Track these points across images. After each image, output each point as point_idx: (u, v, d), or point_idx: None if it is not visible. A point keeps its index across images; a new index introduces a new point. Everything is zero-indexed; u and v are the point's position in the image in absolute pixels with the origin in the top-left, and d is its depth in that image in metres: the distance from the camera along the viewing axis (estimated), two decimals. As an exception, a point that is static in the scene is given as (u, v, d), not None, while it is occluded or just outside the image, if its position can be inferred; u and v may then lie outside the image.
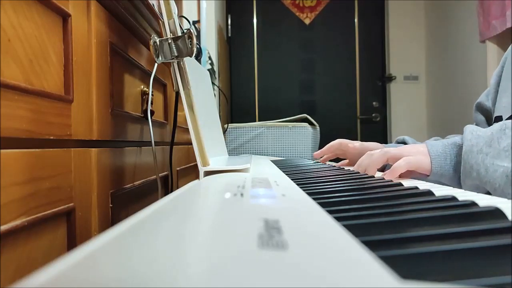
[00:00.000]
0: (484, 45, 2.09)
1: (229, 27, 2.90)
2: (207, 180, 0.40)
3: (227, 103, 2.72)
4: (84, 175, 0.42)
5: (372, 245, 0.17)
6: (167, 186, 0.74)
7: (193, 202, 0.28)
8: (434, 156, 0.57)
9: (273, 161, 0.87)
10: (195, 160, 0.45)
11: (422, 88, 2.90)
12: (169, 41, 0.47)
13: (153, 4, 0.62)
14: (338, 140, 0.85)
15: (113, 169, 0.50)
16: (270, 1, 2.92)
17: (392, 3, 2.91)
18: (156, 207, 0.23)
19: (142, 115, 0.63)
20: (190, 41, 0.46)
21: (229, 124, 1.54)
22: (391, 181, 0.43)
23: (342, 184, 0.43)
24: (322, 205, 0.27)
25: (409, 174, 0.57)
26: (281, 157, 1.46)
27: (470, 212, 0.25)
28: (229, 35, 2.90)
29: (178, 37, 0.47)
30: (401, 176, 0.55)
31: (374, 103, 2.90)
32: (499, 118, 0.63)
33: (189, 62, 0.49)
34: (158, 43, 0.48)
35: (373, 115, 2.89)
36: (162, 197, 0.47)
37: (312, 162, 0.90)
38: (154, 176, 0.66)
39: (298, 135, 1.50)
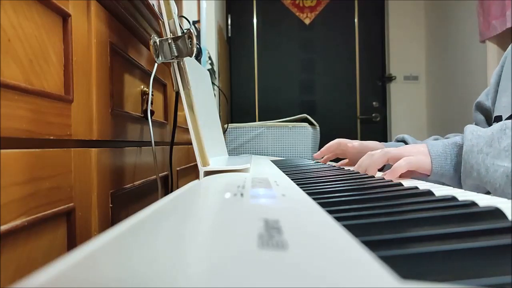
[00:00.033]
0: (484, 45, 2.09)
1: (229, 27, 2.90)
2: (207, 180, 0.40)
3: (227, 103, 2.72)
4: (84, 175, 0.42)
5: (372, 245, 0.17)
6: (167, 186, 0.74)
7: (193, 202, 0.28)
8: (434, 156, 0.57)
9: (273, 161, 0.87)
10: (195, 160, 0.45)
11: (422, 88, 2.90)
12: (169, 41, 0.47)
13: (153, 4, 0.62)
14: (337, 140, 0.85)
15: (113, 169, 0.50)
16: (270, 1, 2.92)
17: (392, 3, 2.91)
18: (156, 207, 0.23)
19: (142, 115, 0.63)
20: (190, 41, 0.46)
21: (229, 124, 1.54)
22: (391, 181, 0.43)
23: (342, 184, 0.43)
24: (322, 205, 0.27)
25: (410, 174, 0.57)
26: (281, 157, 1.46)
27: (470, 212, 0.25)
28: (229, 35, 2.90)
29: (178, 37, 0.47)
30: (401, 176, 0.55)
31: (374, 103, 2.90)
32: (498, 118, 0.63)
33: (189, 62, 0.49)
34: (158, 43, 0.48)
35: (373, 115, 2.89)
36: (162, 197, 0.47)
37: (312, 162, 0.90)
38: (154, 176, 0.66)
39: (298, 135, 1.50)
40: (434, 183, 0.51)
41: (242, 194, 0.28)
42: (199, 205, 0.28)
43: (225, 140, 1.20)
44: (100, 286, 0.11)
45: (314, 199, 0.29)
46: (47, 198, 0.35)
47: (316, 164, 0.81)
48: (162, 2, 0.48)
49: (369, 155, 0.59)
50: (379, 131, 2.90)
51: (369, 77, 2.91)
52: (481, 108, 0.73)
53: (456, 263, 0.18)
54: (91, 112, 0.44)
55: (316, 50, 2.91)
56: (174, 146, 0.65)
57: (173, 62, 0.48)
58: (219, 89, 1.91)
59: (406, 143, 0.80)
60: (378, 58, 2.93)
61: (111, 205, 0.48)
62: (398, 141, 0.83)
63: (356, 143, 0.81)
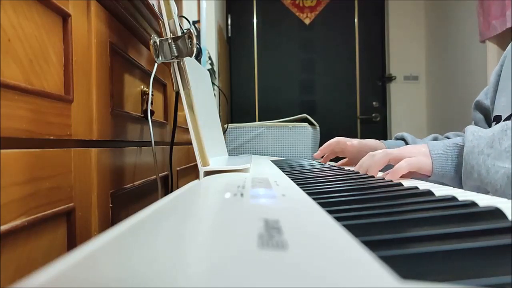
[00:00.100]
0: (484, 45, 2.09)
1: (229, 27, 2.90)
2: (207, 180, 0.40)
3: (227, 103, 2.72)
4: (84, 175, 0.42)
5: (372, 245, 0.17)
6: (167, 186, 0.74)
7: (193, 202, 0.28)
8: (435, 157, 0.57)
9: (273, 161, 0.87)
10: (195, 160, 0.45)
11: (422, 88, 2.90)
12: (169, 41, 0.47)
13: (153, 4, 0.62)
14: (336, 139, 0.85)
15: (113, 169, 0.50)
16: (270, 1, 2.92)
17: (392, 3, 2.91)
18: (156, 207, 0.23)
19: (142, 115, 0.63)
20: (190, 41, 0.46)
21: (229, 124, 1.54)
22: (391, 181, 0.43)
23: (342, 184, 0.43)
24: (322, 205, 0.27)
25: (410, 174, 0.57)
26: (281, 157, 1.46)
27: (470, 212, 0.25)
28: (229, 35, 2.90)
29: (178, 37, 0.47)
30: (402, 176, 0.55)
31: (374, 103, 2.90)
32: (498, 117, 0.63)
33: (189, 62, 0.49)
34: (158, 43, 0.48)
35: (373, 115, 2.89)
36: (162, 197, 0.47)
37: (313, 162, 0.90)
38: (154, 176, 0.66)
39: (298, 135, 1.50)
40: (435, 183, 0.51)
41: (242, 194, 0.28)
42: (199, 205, 0.28)
43: (225, 140, 1.20)
44: (100, 286, 0.11)
45: (314, 199, 0.29)
46: (47, 198, 0.35)
47: (316, 164, 0.81)
48: (162, 2, 0.48)
49: (370, 156, 0.59)
50: (379, 131, 2.90)
51: (369, 77, 2.91)
52: (480, 107, 0.73)
53: (456, 263, 0.18)
54: (91, 112, 0.44)
55: (316, 50, 2.91)
56: (174, 146, 0.65)
57: (173, 62, 0.48)
58: (219, 89, 1.91)
59: (405, 141, 0.80)
60: (378, 58, 2.93)
61: (111, 205, 0.48)
62: (397, 139, 0.83)
63: (355, 141, 0.81)
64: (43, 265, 0.13)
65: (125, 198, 0.54)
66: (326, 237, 0.18)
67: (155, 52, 0.48)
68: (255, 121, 2.19)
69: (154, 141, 0.58)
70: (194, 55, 0.47)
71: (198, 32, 1.50)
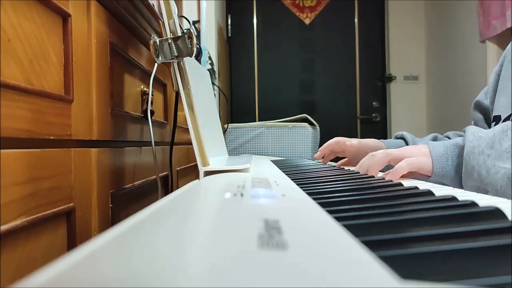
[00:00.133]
0: (484, 45, 2.09)
1: (229, 27, 2.90)
2: (207, 180, 0.40)
3: (227, 103, 2.72)
4: (84, 175, 0.42)
5: (372, 245, 0.17)
6: (167, 186, 0.74)
7: (193, 202, 0.28)
8: (435, 157, 0.57)
9: (273, 161, 0.87)
10: (195, 160, 0.45)
11: (422, 88, 2.90)
12: (169, 41, 0.47)
13: (153, 4, 0.62)
14: (335, 139, 0.85)
15: (113, 169, 0.50)
16: (270, 1, 2.92)
17: (392, 3, 2.91)
18: (156, 207, 0.23)
19: (142, 115, 0.63)
20: (190, 41, 0.46)
21: (229, 124, 1.54)
22: (391, 181, 0.43)
23: (342, 184, 0.43)
24: (322, 205, 0.27)
25: (410, 175, 0.57)
26: (281, 157, 1.46)
27: (470, 212, 0.25)
28: (229, 35, 2.90)
29: (178, 37, 0.47)
30: (402, 176, 0.55)
31: (374, 103, 2.90)
32: (497, 117, 0.63)
33: (189, 62, 0.49)
34: (158, 43, 0.48)
35: (373, 115, 2.89)
36: (162, 197, 0.47)
37: (313, 162, 0.90)
38: (154, 176, 0.66)
39: (298, 135, 1.50)
40: (435, 183, 0.51)
41: (242, 194, 0.28)
42: (199, 205, 0.28)
43: (225, 140, 1.20)
44: (100, 286, 0.11)
45: (314, 199, 0.29)
46: (47, 198, 0.35)
47: (316, 164, 0.81)
48: (162, 2, 0.48)
49: (371, 156, 0.59)
50: (379, 131, 2.90)
51: (369, 77, 2.91)
52: (479, 107, 0.73)
53: (456, 263, 0.18)
54: (91, 112, 0.44)
55: (316, 50, 2.91)
56: (174, 146, 0.65)
57: (173, 62, 0.48)
58: (219, 89, 1.91)
59: (405, 140, 0.80)
60: (378, 58, 2.93)
61: (111, 205, 0.48)
62: (397, 138, 0.83)
63: (354, 141, 0.81)
64: (43, 265, 0.13)
65: (125, 198, 0.54)
66: (326, 237, 0.18)
67: (155, 52, 0.48)
68: (255, 121, 2.19)
69: (154, 141, 0.58)
70: (194, 55, 0.47)
71: (198, 32, 1.50)
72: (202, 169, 0.44)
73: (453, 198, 0.30)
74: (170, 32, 0.48)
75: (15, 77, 0.31)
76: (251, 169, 0.52)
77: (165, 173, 0.75)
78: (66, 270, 0.12)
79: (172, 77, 0.48)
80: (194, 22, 1.44)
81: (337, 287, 0.11)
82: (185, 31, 0.48)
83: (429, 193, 0.34)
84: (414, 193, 0.35)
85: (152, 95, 0.62)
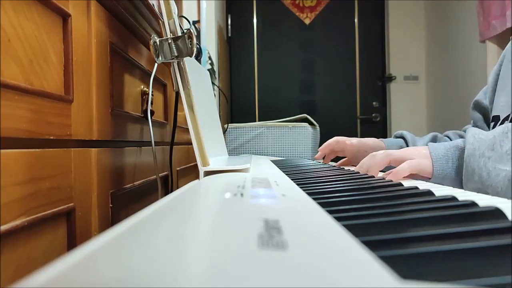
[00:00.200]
0: (484, 45, 2.09)
1: (229, 27, 2.90)
2: (207, 180, 0.40)
3: (227, 103, 2.72)
4: (84, 175, 0.42)
5: (372, 245, 0.17)
6: (167, 186, 0.74)
7: (193, 202, 0.28)
8: (435, 159, 0.57)
9: (273, 161, 0.87)
10: (195, 160, 0.45)
11: (422, 88, 2.90)
12: (169, 41, 0.47)
13: (153, 4, 0.62)
14: (335, 138, 0.85)
15: (113, 169, 0.50)
16: (270, 1, 2.92)
17: (392, 3, 2.91)
18: (156, 207, 0.23)
19: (142, 115, 0.63)
20: (190, 41, 0.46)
21: (229, 124, 1.54)
22: (391, 181, 0.43)
23: (342, 184, 0.43)
24: (322, 205, 0.27)
25: (411, 176, 0.57)
26: (281, 157, 1.46)
27: (470, 212, 0.25)
28: (229, 35, 2.90)
29: (178, 37, 0.47)
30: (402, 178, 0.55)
31: (374, 103, 2.90)
32: (496, 117, 0.63)
33: (189, 62, 0.49)
34: (158, 43, 0.48)
35: (373, 115, 2.89)
36: (162, 197, 0.47)
37: (313, 162, 0.90)
38: (154, 176, 0.66)
39: (298, 135, 1.50)
40: (435, 184, 0.51)
41: (242, 194, 0.28)
42: (199, 205, 0.28)
43: (225, 140, 1.20)
44: (100, 286, 0.11)
45: (314, 199, 0.29)
46: (47, 198, 0.35)
47: (316, 164, 0.81)
48: (162, 2, 0.48)
49: (371, 156, 0.59)
50: (379, 131, 2.91)
51: (369, 77, 2.91)
52: (479, 106, 0.73)
53: (456, 263, 0.18)
54: (91, 112, 0.44)
55: (316, 50, 2.91)
56: (174, 146, 0.65)
57: (173, 62, 0.48)
58: (219, 89, 1.91)
59: (404, 139, 0.80)
60: (378, 58, 2.93)
61: (111, 205, 0.48)
62: (396, 137, 0.83)
63: (354, 140, 0.81)
64: (43, 265, 0.13)
65: (125, 198, 0.54)
66: (326, 237, 0.18)
67: (155, 52, 0.48)
68: (255, 121, 2.19)
69: (154, 141, 0.58)
70: (194, 55, 0.47)
71: (198, 32, 1.50)
72: (202, 169, 0.44)
73: (453, 198, 0.30)
74: (170, 32, 0.48)
75: (15, 77, 0.31)
76: (251, 169, 0.52)
77: (165, 173, 0.75)
78: (66, 270, 0.12)
79: (172, 77, 0.48)
80: (194, 22, 1.44)
81: (337, 287, 0.11)
82: (185, 31, 0.48)
83: (429, 193, 0.34)
84: (414, 193, 0.35)
85: (152, 95, 0.62)
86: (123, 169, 0.54)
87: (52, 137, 0.36)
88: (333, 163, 0.85)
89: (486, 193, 0.50)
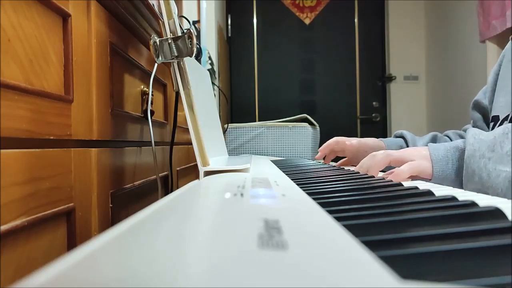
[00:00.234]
0: (484, 45, 2.09)
1: (229, 27, 2.90)
2: (207, 180, 0.40)
3: (227, 103, 2.72)
4: (84, 175, 0.42)
5: (372, 245, 0.17)
6: (167, 186, 0.74)
7: (193, 202, 0.28)
8: (435, 160, 0.56)
9: (273, 161, 0.87)
10: (195, 160, 0.45)
11: (422, 88, 2.90)
12: (169, 41, 0.47)
13: (153, 4, 0.62)
14: (335, 138, 0.85)
15: (113, 169, 0.50)
16: (270, 1, 2.92)
17: (392, 3, 2.91)
18: (156, 207, 0.23)
19: (142, 115, 0.63)
20: (190, 41, 0.46)
21: (229, 124, 1.54)
22: (391, 181, 0.43)
23: (342, 184, 0.43)
24: (322, 205, 0.27)
25: (411, 177, 0.57)
26: (281, 157, 1.46)
27: (470, 212, 0.25)
28: (229, 35, 2.90)
29: (178, 37, 0.47)
30: None
31: (374, 103, 2.90)
32: (496, 118, 0.62)
33: (189, 62, 0.49)
34: (158, 43, 0.48)
35: (373, 115, 2.89)
36: (162, 197, 0.47)
37: (312, 162, 0.90)
38: (154, 176, 0.66)
39: (298, 135, 1.50)
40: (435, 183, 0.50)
41: (242, 194, 0.28)
42: (199, 205, 0.28)
43: (225, 140, 1.20)
44: (100, 286, 0.11)
45: (314, 199, 0.29)
46: (47, 198, 0.35)
47: (316, 164, 0.81)
48: (162, 2, 0.48)
49: (371, 156, 0.59)
50: (379, 131, 2.91)
51: (369, 77, 2.91)
52: (478, 106, 0.73)
53: (456, 263, 0.18)
54: (91, 112, 0.44)
55: (316, 50, 2.91)
56: (174, 146, 0.65)
57: (173, 62, 0.48)
58: (219, 89, 1.91)
59: (404, 139, 0.80)
60: (378, 58, 2.93)
61: (111, 205, 0.48)
62: (396, 136, 0.83)
63: (354, 141, 0.81)
64: (43, 265, 0.13)
65: (125, 198, 0.54)
66: (326, 237, 0.18)
67: (155, 52, 0.48)
68: (255, 121, 2.19)
69: (154, 141, 0.58)
70: (194, 55, 0.47)
71: (198, 32, 1.50)
72: (202, 169, 0.44)
73: (453, 198, 0.30)
74: (170, 32, 0.48)
75: (15, 77, 0.31)
76: (251, 169, 0.52)
77: (165, 173, 0.75)
78: (66, 270, 0.12)
79: (172, 77, 0.48)
80: (194, 22, 1.44)
81: (337, 287, 0.11)
82: (185, 31, 0.48)
83: (429, 193, 0.34)
84: (414, 193, 0.35)
85: (152, 95, 0.62)
86: (123, 169, 0.54)
87: (52, 137, 0.36)
88: (333, 163, 0.85)
89: (486, 194, 0.50)
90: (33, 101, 0.33)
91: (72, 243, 0.39)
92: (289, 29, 2.91)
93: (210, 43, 1.96)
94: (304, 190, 0.36)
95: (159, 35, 0.49)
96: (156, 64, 0.61)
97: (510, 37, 0.65)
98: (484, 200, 0.31)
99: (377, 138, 0.84)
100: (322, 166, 0.72)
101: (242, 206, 0.24)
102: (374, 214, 0.27)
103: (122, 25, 0.56)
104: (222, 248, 0.15)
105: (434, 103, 2.78)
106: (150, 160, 0.65)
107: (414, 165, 0.55)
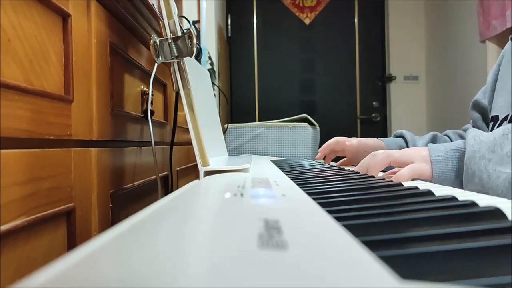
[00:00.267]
0: (484, 45, 2.09)
1: (229, 27, 2.90)
2: (207, 180, 0.40)
3: (227, 103, 2.72)
4: (84, 175, 0.42)
5: (372, 245, 0.17)
6: (167, 186, 0.74)
7: (193, 202, 0.28)
8: (435, 161, 0.56)
9: (273, 161, 0.87)
10: (195, 160, 0.45)
11: (422, 88, 2.90)
12: (169, 41, 0.47)
13: (153, 4, 0.62)
14: (334, 139, 0.85)
15: (113, 169, 0.50)
16: (270, 1, 2.92)
17: (392, 3, 2.91)
18: (156, 207, 0.23)
19: (142, 115, 0.63)
20: (190, 41, 0.46)
21: (229, 124, 1.54)
22: (391, 181, 0.43)
23: (342, 184, 0.43)
24: (322, 205, 0.27)
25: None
26: (281, 157, 1.46)
27: (470, 212, 0.25)
28: (229, 35, 2.90)
29: (178, 37, 0.47)
30: None
31: (374, 103, 2.90)
32: (495, 118, 0.62)
33: (189, 62, 0.49)
34: (158, 43, 0.48)
35: (373, 115, 2.89)
36: (162, 197, 0.47)
37: (312, 162, 0.90)
38: (154, 176, 0.66)
39: (298, 135, 1.50)
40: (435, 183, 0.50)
41: (242, 194, 0.28)
42: (199, 205, 0.28)
43: (225, 140, 1.20)
44: (100, 286, 0.11)
45: (314, 199, 0.29)
46: (47, 198, 0.35)
47: (316, 164, 0.81)
48: (162, 2, 0.48)
49: (372, 156, 0.59)
50: (379, 131, 2.91)
51: (369, 77, 2.91)
52: (478, 106, 0.73)
53: (456, 263, 0.18)
54: (91, 112, 0.44)
55: (316, 50, 2.91)
56: (174, 146, 0.65)
57: (173, 62, 0.48)
58: (219, 89, 1.91)
59: (404, 138, 0.80)
60: (378, 58, 2.93)
61: (111, 205, 0.48)
62: (396, 136, 0.83)
63: (354, 141, 0.81)
64: (43, 265, 0.13)
65: (125, 198, 0.54)
66: (326, 237, 0.18)
67: (155, 52, 0.48)
68: (255, 121, 2.19)
69: (154, 141, 0.58)
70: (194, 55, 0.47)
71: (198, 32, 1.50)
72: (202, 169, 0.44)
73: (453, 198, 0.30)
74: (170, 32, 0.48)
75: (15, 77, 0.31)
76: (251, 169, 0.52)
77: (165, 173, 0.75)
78: (66, 270, 0.12)
79: (172, 77, 0.48)
80: (194, 22, 1.44)
81: (337, 287, 0.11)
82: (185, 31, 0.48)
83: (429, 193, 0.34)
84: (414, 193, 0.35)
85: (152, 95, 0.62)
86: (123, 169, 0.54)
87: (52, 137, 0.36)
88: (333, 163, 0.85)
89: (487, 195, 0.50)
90: (33, 101, 0.33)
91: (72, 243, 0.39)
92: (289, 29, 2.91)
93: (210, 43, 1.96)
94: (304, 190, 0.36)
95: (159, 35, 0.49)
96: (156, 64, 0.61)
97: (509, 37, 0.65)
98: (484, 200, 0.31)
99: (377, 138, 0.84)
100: (322, 166, 0.72)
101: (242, 206, 0.24)
102: (374, 214, 0.27)
103: (122, 25, 0.56)
104: (222, 248, 0.15)
105: (434, 103, 2.78)
106: (150, 160, 0.65)
107: (414, 169, 0.55)
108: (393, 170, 0.60)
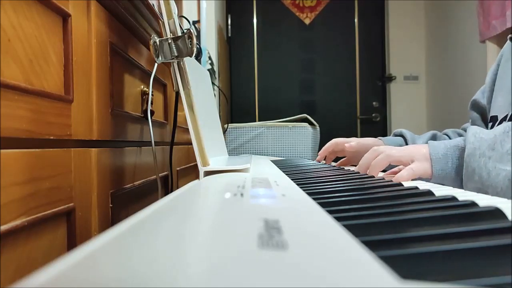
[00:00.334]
0: (484, 45, 2.09)
1: (229, 27, 2.90)
2: (207, 180, 0.40)
3: (227, 103, 2.72)
4: (84, 175, 0.42)
5: (372, 245, 0.17)
6: (167, 186, 0.74)
7: (193, 202, 0.28)
8: (435, 159, 0.56)
9: (273, 161, 0.87)
10: (195, 160, 0.45)
11: (422, 88, 2.90)
12: (169, 41, 0.47)
13: (153, 4, 0.62)
14: (334, 140, 0.85)
15: (113, 169, 0.50)
16: (270, 1, 2.92)
17: (392, 3, 2.91)
18: (156, 207, 0.23)
19: (142, 115, 0.63)
20: (190, 41, 0.46)
21: (229, 124, 1.54)
22: (391, 181, 0.43)
23: (342, 184, 0.43)
24: (322, 205, 0.27)
25: None
26: (281, 157, 1.46)
27: (470, 212, 0.25)
28: (229, 35, 2.90)
29: (178, 37, 0.47)
30: None
31: (374, 103, 2.90)
32: (494, 118, 0.62)
33: (189, 62, 0.49)
34: (158, 43, 0.48)
35: (373, 115, 2.89)
36: (162, 197, 0.47)
37: (312, 162, 0.90)
38: (154, 176, 0.66)
39: (298, 135, 1.50)
40: (435, 183, 0.50)
41: (242, 194, 0.28)
42: (199, 205, 0.28)
43: (225, 140, 1.20)
44: (100, 286, 0.11)
45: (314, 199, 0.29)
46: (47, 198, 0.35)
47: (316, 164, 0.81)
48: (162, 2, 0.48)
49: (373, 151, 0.59)
50: (379, 131, 2.90)
51: (369, 77, 2.91)
52: (477, 106, 0.73)
53: (456, 263, 0.18)
54: (91, 112, 0.44)
55: (316, 50, 2.91)
56: (174, 146, 0.65)
57: (173, 62, 0.48)
58: (219, 89, 1.91)
59: (404, 137, 0.80)
60: (378, 58, 2.93)
61: (111, 205, 0.48)
62: (396, 135, 0.83)
63: (353, 142, 0.81)
64: (43, 265, 0.13)
65: (125, 198, 0.54)
66: (326, 237, 0.18)
67: (155, 52, 0.48)
68: (255, 121, 2.19)
69: (154, 141, 0.58)
70: (194, 55, 0.47)
71: (198, 32, 1.50)
72: (202, 169, 0.44)
73: (453, 198, 0.30)
74: (170, 32, 0.48)
75: (15, 77, 0.31)
76: (251, 169, 0.52)
77: (165, 173, 0.75)
78: (66, 270, 0.12)
79: (172, 77, 0.48)
80: (194, 22, 1.44)
81: (337, 287, 0.11)
82: (185, 31, 0.48)
83: (429, 193, 0.34)
84: (414, 193, 0.35)
85: (152, 95, 0.62)
86: (123, 169, 0.54)
87: (52, 137, 0.36)
88: (333, 163, 0.85)
89: (486, 193, 0.50)
90: (33, 101, 0.33)
91: (72, 243, 0.39)
92: (289, 29, 2.91)
93: (210, 43, 1.96)
94: (304, 190, 0.36)
95: (159, 35, 0.49)
96: (156, 64, 0.61)
97: (508, 37, 0.65)
98: (484, 200, 0.31)
99: (377, 138, 0.84)
100: (322, 166, 0.72)
101: (242, 206, 0.24)
102: (374, 214, 0.27)
103: (122, 25, 0.56)
104: (222, 248, 0.15)
105: (434, 103, 2.78)
106: (150, 160, 0.65)
107: (414, 169, 0.55)
108: (393, 169, 0.60)
